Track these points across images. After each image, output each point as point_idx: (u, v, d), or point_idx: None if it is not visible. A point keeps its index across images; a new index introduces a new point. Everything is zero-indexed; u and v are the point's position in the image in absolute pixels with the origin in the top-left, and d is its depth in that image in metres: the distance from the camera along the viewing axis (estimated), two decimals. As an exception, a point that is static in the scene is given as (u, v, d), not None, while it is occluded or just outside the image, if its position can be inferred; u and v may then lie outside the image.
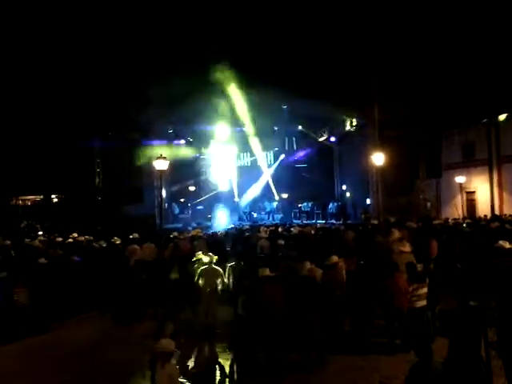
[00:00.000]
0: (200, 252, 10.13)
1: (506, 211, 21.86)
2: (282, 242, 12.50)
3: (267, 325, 7.09)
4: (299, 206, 28.63)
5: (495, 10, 20.95)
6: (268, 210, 28.95)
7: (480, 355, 4.65)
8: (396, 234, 11.60)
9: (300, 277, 7.81)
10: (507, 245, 8.96)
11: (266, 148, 30.42)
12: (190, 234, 15.67)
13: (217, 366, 7.56)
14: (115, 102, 23.19)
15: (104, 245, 13.57)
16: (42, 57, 23.38)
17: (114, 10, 22.11)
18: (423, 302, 7.55)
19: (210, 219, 27.39)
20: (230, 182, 30.31)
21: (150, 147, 23.79)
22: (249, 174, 30.63)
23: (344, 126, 26.66)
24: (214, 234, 16.97)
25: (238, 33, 21.38)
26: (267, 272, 7.87)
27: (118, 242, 13.84)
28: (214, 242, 13.35)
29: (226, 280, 9.35)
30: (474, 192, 24.45)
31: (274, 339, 7.13)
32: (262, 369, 7.04)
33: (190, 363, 7.70)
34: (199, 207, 29.58)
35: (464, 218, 19.37)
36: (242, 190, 30.07)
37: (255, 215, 28.82)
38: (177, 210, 27.18)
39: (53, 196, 27.27)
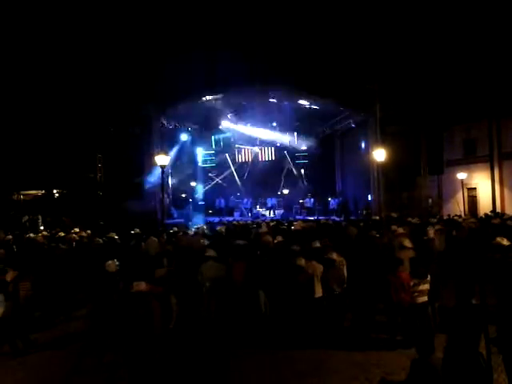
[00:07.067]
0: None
1: (507, 207, 21.89)
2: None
3: None
4: (300, 201, 28.61)
5: (496, 7, 20.91)
6: (269, 205, 28.92)
7: (478, 351, 4.67)
8: (399, 230, 11.66)
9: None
10: (505, 241, 8.97)
11: (267, 144, 30.54)
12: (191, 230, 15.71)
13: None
14: (117, 96, 23.18)
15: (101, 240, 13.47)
16: (43, 52, 23.35)
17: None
18: (424, 298, 7.58)
19: (211, 214, 27.43)
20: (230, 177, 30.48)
21: (151, 142, 23.85)
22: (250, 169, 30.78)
23: (346, 122, 26.61)
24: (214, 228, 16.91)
25: (241, 31, 21.38)
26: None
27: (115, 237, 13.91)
28: (215, 238, 13.39)
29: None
30: (475, 188, 24.47)
31: None
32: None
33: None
34: (200, 203, 29.63)
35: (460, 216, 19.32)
36: (244, 186, 30.23)
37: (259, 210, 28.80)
38: (175, 214, 27.27)
39: (54, 191, 27.21)
